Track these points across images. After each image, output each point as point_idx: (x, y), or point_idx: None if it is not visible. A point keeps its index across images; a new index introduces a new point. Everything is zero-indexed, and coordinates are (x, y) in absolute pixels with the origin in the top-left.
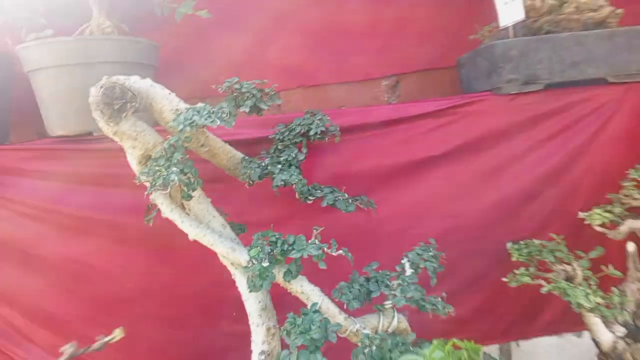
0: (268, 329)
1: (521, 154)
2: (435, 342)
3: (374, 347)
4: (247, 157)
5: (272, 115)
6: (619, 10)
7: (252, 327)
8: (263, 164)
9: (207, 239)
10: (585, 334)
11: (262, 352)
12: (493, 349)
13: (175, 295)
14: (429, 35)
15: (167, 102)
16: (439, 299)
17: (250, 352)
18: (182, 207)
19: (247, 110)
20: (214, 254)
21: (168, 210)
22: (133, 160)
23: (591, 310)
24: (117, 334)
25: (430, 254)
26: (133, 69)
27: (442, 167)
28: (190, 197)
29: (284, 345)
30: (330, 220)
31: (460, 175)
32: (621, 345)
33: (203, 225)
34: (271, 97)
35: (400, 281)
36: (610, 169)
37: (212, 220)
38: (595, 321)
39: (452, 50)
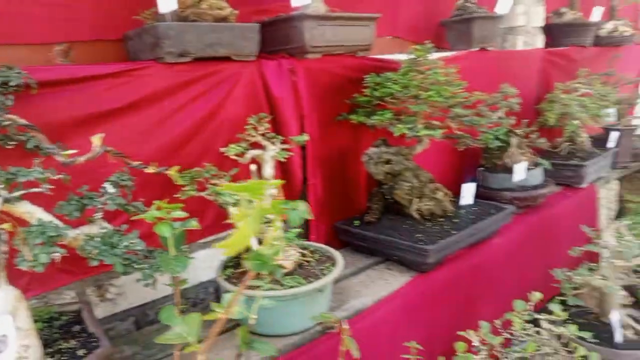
0: None
1: (181, 106)
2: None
3: (97, 238)
4: None
5: None
6: (235, 11)
7: None
8: None
9: None
10: None
11: None
12: None
13: None
14: (97, 10)
15: None
16: (140, 203)
17: None
18: None
19: None
20: None
21: None
22: None
23: (234, 204)
24: None
25: (126, 177)
26: None
27: (123, 118)
28: None
29: None
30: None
31: (137, 124)
32: None
33: None
34: None
35: (107, 196)
36: (239, 118)
37: None
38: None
39: (117, 25)
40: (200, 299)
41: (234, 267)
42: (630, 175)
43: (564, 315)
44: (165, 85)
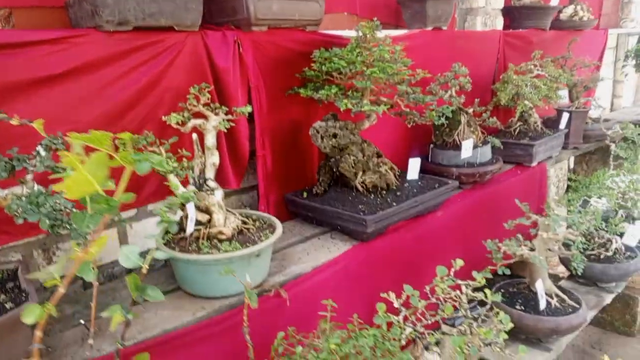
0: None
1: (122, 75)
2: None
3: (23, 198)
4: None
5: None
6: None
7: None
8: None
9: None
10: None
11: None
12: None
13: None
14: None
15: None
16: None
17: None
18: None
19: None
20: None
21: None
22: None
23: (170, 172)
24: None
25: (59, 140)
26: None
27: (63, 84)
28: None
29: None
30: None
31: (77, 91)
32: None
33: None
34: None
35: (38, 159)
36: (182, 88)
37: None
38: (175, 181)
39: None
40: (151, 265)
41: (172, 233)
42: (586, 155)
43: (482, 281)
44: (106, 53)
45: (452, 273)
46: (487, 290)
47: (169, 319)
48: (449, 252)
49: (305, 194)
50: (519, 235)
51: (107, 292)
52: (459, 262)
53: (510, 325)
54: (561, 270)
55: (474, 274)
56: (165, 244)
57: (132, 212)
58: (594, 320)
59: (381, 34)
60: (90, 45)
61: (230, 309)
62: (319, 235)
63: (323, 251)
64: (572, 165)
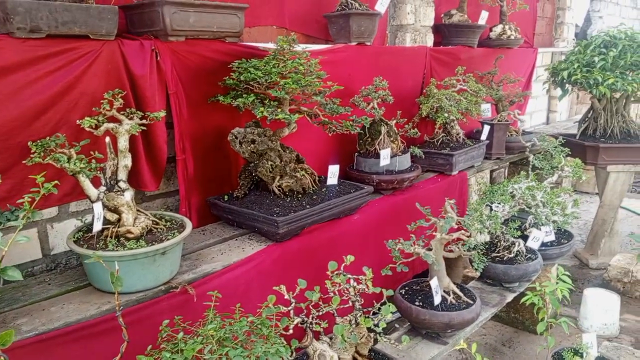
0: None
1: (36, 79)
2: None
3: None
4: None
5: None
6: None
7: None
8: None
9: None
10: None
11: None
12: None
13: None
14: None
15: None
16: None
17: None
18: None
19: None
20: None
21: None
22: None
23: (78, 172)
24: None
25: None
26: None
27: None
28: None
29: None
30: None
31: None
32: (102, 195)
33: None
34: None
35: None
36: (98, 93)
37: None
38: (85, 182)
39: None
40: (70, 264)
41: (84, 232)
42: (518, 165)
43: (370, 277)
44: (18, 59)
45: (342, 268)
46: (369, 283)
47: (74, 312)
48: (364, 253)
49: (226, 198)
50: (420, 237)
51: (19, 289)
52: (350, 258)
53: (390, 315)
54: None
55: (364, 269)
56: (75, 242)
57: (53, 213)
58: (508, 319)
59: (301, 47)
60: (3, 50)
61: (136, 304)
62: (237, 237)
63: (237, 251)
64: (506, 174)
